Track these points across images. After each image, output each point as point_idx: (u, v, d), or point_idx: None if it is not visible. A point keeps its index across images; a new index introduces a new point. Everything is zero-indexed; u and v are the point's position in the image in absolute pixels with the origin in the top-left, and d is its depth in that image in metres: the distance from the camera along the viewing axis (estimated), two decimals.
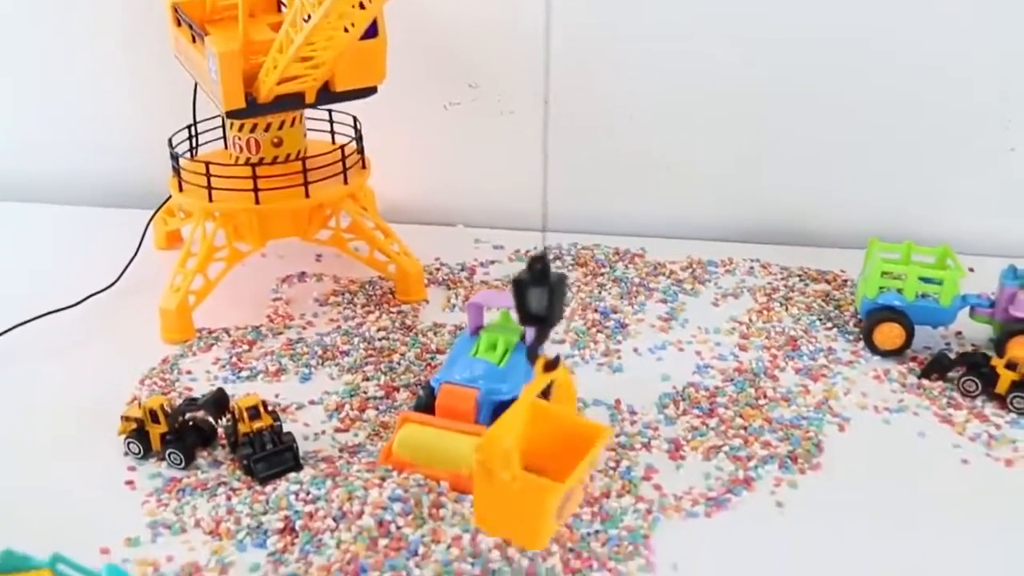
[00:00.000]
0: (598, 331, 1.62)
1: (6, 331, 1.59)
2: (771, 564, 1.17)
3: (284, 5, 1.68)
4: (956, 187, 1.90)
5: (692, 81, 1.90)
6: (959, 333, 1.64)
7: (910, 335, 1.56)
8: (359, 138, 1.75)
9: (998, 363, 1.46)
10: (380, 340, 1.59)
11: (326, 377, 1.52)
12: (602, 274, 1.80)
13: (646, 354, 1.58)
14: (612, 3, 1.86)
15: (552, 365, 1.07)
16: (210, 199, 1.63)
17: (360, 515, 1.15)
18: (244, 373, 1.52)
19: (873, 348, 1.58)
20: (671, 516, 1.24)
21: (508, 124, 1.96)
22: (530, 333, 1.33)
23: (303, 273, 1.82)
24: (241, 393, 1.37)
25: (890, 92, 1.85)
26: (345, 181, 1.68)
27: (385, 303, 1.71)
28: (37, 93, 2.09)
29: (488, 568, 1.11)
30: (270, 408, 1.34)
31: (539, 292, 1.03)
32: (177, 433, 1.33)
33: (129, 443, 1.34)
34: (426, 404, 1.32)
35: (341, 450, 1.35)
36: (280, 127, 1.65)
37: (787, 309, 1.70)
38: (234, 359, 1.56)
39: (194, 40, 1.63)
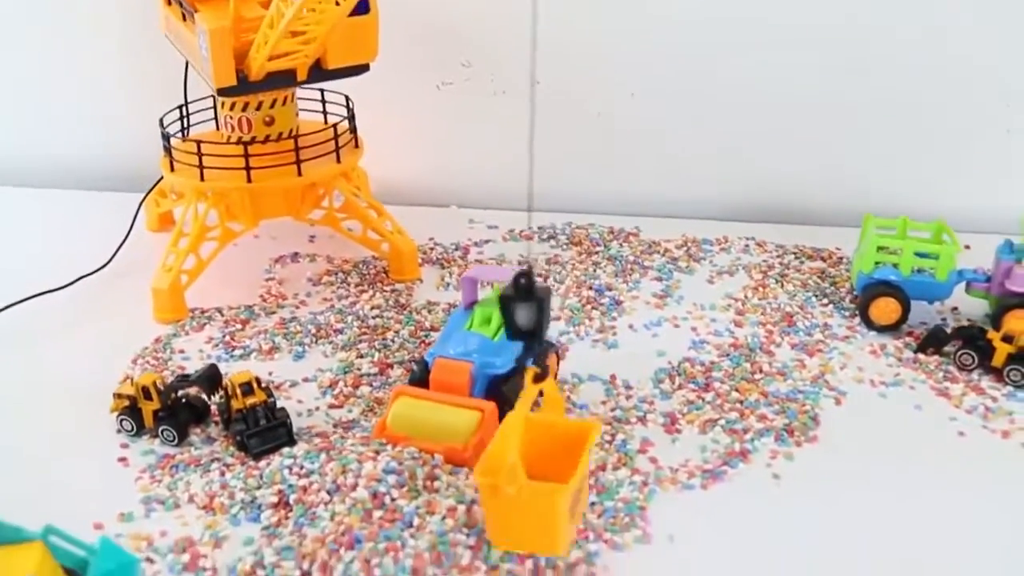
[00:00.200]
0: (593, 308, 1.62)
1: None
2: (768, 535, 1.16)
3: None
4: (952, 167, 1.90)
5: (688, 60, 1.89)
6: (955, 309, 1.64)
7: (906, 310, 1.55)
8: (351, 117, 1.74)
9: (994, 336, 1.46)
10: (374, 318, 1.58)
11: (320, 355, 1.51)
12: (596, 253, 1.80)
13: (641, 330, 1.57)
14: None
15: (541, 376, 1.08)
16: (202, 178, 1.62)
17: (354, 487, 1.14)
18: (237, 352, 1.52)
19: (869, 323, 1.57)
20: (667, 488, 1.24)
21: (502, 104, 1.95)
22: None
23: (296, 253, 1.81)
24: (235, 371, 1.36)
25: (887, 72, 1.85)
26: (338, 160, 1.67)
27: (379, 282, 1.70)
28: (28, 77, 2.08)
29: (483, 539, 1.10)
30: (263, 384, 1.33)
31: (526, 307, 1.03)
32: (170, 410, 1.32)
33: (122, 420, 1.33)
34: (420, 378, 1.31)
35: (335, 426, 1.35)
36: (272, 106, 1.64)
37: (782, 286, 1.69)
38: (227, 338, 1.55)
39: (184, 18, 1.62)
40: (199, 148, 1.60)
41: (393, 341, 1.52)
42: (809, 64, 1.86)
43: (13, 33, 2.04)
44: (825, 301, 1.65)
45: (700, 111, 1.92)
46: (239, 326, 1.58)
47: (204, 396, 1.36)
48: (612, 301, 1.64)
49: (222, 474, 1.24)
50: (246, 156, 1.59)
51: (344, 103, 1.74)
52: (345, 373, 1.45)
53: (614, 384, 1.43)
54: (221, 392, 1.34)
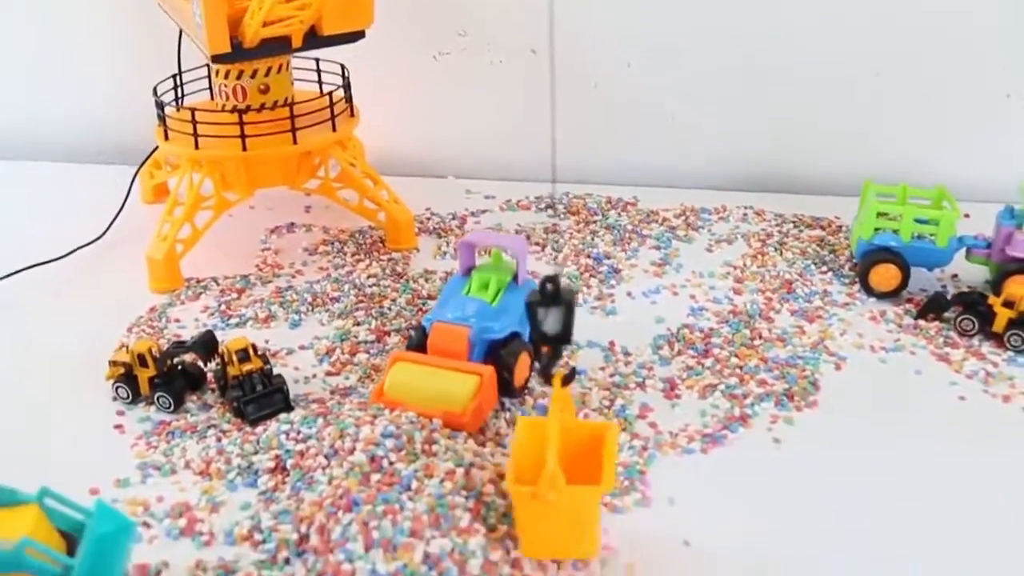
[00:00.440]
0: (591, 276, 1.61)
1: None
2: (768, 498, 1.16)
3: None
4: (952, 133, 1.89)
5: (685, 30, 1.87)
6: (955, 276, 1.63)
7: (906, 276, 1.54)
8: (347, 86, 1.72)
9: (995, 302, 1.45)
10: (371, 287, 1.57)
11: (316, 323, 1.50)
12: (594, 222, 1.79)
13: (640, 298, 1.56)
14: None
15: (569, 379, 1.08)
16: (196, 147, 1.60)
17: (352, 451, 1.13)
18: (233, 320, 1.51)
19: (869, 290, 1.56)
20: (667, 452, 1.23)
21: (498, 74, 1.94)
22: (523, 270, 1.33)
23: (292, 224, 1.80)
24: (230, 339, 1.35)
25: (885, 38, 1.83)
26: (333, 128, 1.66)
27: (375, 251, 1.69)
28: (20, 51, 2.06)
29: (483, 501, 1.09)
30: (259, 351, 1.32)
31: (553, 312, 1.02)
32: (166, 377, 1.31)
33: (117, 388, 1.32)
34: (418, 344, 1.30)
35: (332, 392, 1.34)
36: (267, 73, 1.62)
37: (781, 254, 1.68)
38: (223, 307, 1.54)
39: None
40: (193, 116, 1.58)
41: (390, 309, 1.51)
42: (808, 33, 1.84)
43: (8, 7, 2.02)
44: (824, 268, 1.64)
45: (698, 81, 1.91)
46: (235, 295, 1.57)
47: (200, 363, 1.35)
48: (610, 269, 1.63)
49: (218, 440, 1.23)
50: (241, 124, 1.58)
51: (340, 72, 1.72)
52: (342, 341, 1.44)
53: (613, 350, 1.42)
54: (217, 359, 1.33)
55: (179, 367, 1.34)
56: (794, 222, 1.79)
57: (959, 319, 1.47)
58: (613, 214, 1.81)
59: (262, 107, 1.62)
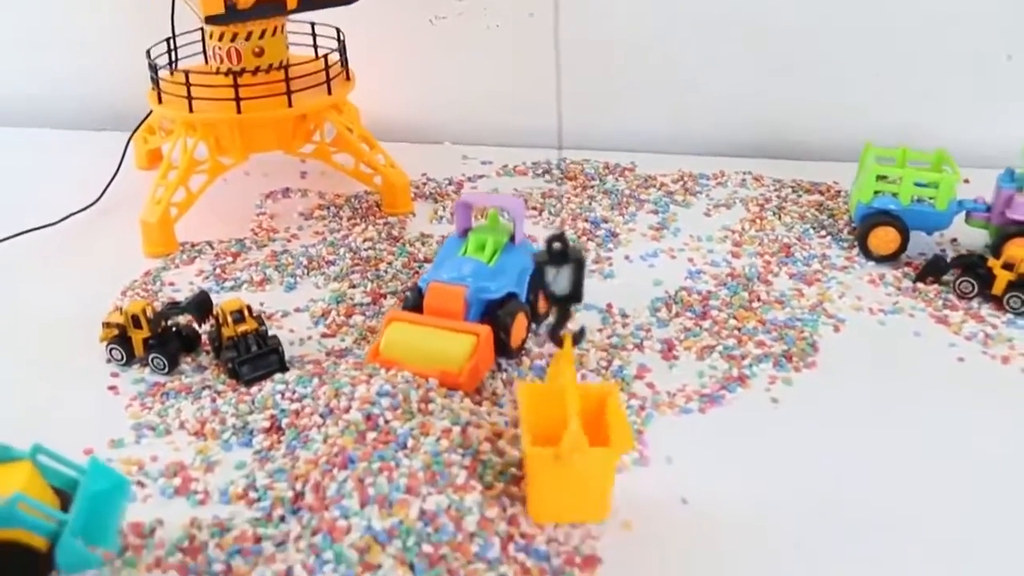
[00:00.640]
0: (588, 239, 1.60)
1: None
2: (767, 457, 1.15)
3: None
4: (951, 98, 1.88)
5: None
6: (954, 240, 1.62)
7: (905, 239, 1.53)
8: (342, 49, 1.71)
9: (995, 264, 1.44)
10: (366, 250, 1.56)
11: (312, 286, 1.49)
12: (592, 187, 1.78)
13: (637, 261, 1.55)
14: None
15: (579, 339, 1.07)
16: (190, 110, 1.59)
17: (347, 410, 1.13)
18: (228, 283, 1.50)
19: (868, 253, 1.56)
20: (664, 412, 1.22)
21: (495, 38, 1.92)
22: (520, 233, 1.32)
23: (287, 189, 1.79)
24: (225, 300, 1.34)
25: (885, 1, 1.82)
26: (329, 92, 1.64)
27: (371, 216, 1.68)
28: (10, 19, 2.04)
29: (479, 459, 1.09)
30: (255, 313, 1.31)
31: (564, 271, 1.01)
32: (160, 338, 1.30)
33: (112, 349, 1.31)
34: (414, 304, 1.29)
35: (328, 354, 1.33)
36: (261, 36, 1.60)
37: (780, 218, 1.67)
38: (218, 270, 1.53)
39: None
40: (187, 78, 1.57)
41: (386, 272, 1.50)
42: None
43: None
44: (823, 233, 1.63)
45: (697, 47, 1.90)
46: (230, 259, 1.56)
47: (195, 325, 1.34)
48: (608, 233, 1.62)
49: (213, 401, 1.22)
50: (235, 87, 1.56)
51: (335, 36, 1.71)
52: (338, 303, 1.43)
53: (610, 312, 1.41)
54: (212, 321, 1.32)
55: (174, 329, 1.33)
56: (793, 187, 1.78)
57: (958, 282, 1.46)
58: (611, 179, 1.80)
59: (257, 70, 1.61)
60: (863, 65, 1.87)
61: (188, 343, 1.33)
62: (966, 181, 1.66)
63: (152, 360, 1.29)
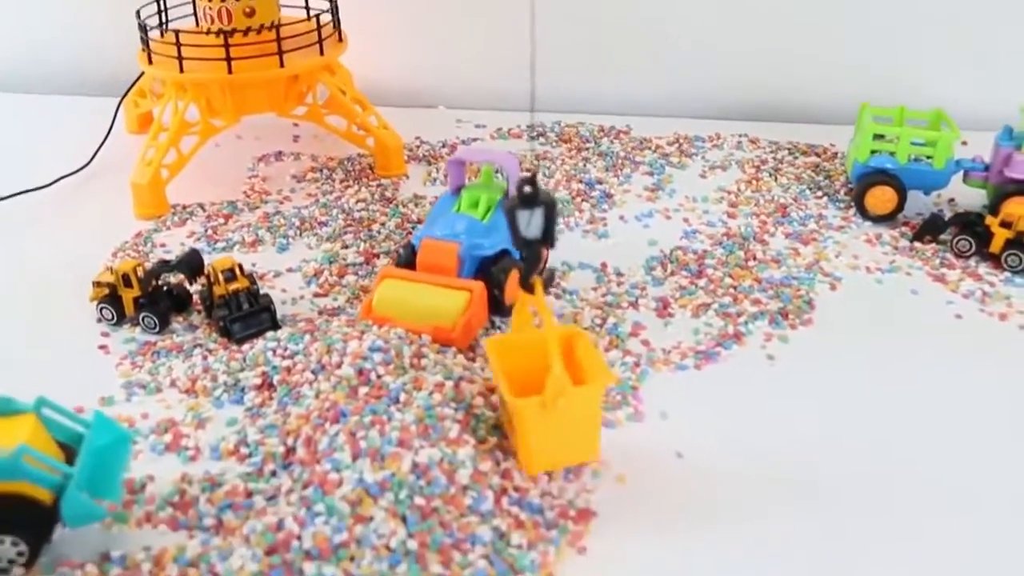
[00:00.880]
0: (583, 200, 1.58)
1: None
2: (763, 413, 1.14)
3: None
4: (949, 61, 1.86)
5: None
6: (952, 200, 1.61)
7: (902, 199, 1.52)
8: (335, 10, 1.69)
9: (992, 222, 1.43)
10: (359, 211, 1.55)
11: (304, 247, 1.48)
12: (587, 149, 1.76)
13: (632, 221, 1.54)
14: None
15: (549, 282, 1.05)
16: (181, 70, 1.57)
17: (339, 366, 1.12)
18: (220, 244, 1.48)
19: (864, 213, 1.54)
20: (659, 369, 1.21)
21: (489, 2, 1.90)
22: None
23: (280, 152, 1.77)
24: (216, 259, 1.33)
25: None
26: (321, 52, 1.63)
27: (364, 178, 1.67)
28: None
29: (472, 413, 1.08)
30: (246, 272, 1.30)
31: (534, 215, 1.00)
32: (151, 297, 1.29)
33: (102, 309, 1.30)
34: (407, 261, 1.28)
35: (320, 313, 1.32)
36: None
37: (776, 179, 1.66)
38: (209, 232, 1.51)
39: None
40: (177, 38, 1.55)
41: (379, 233, 1.49)
42: None
43: None
44: (820, 193, 1.62)
45: (693, 9, 1.88)
46: (222, 220, 1.54)
47: (186, 284, 1.33)
48: (602, 194, 1.60)
49: (204, 358, 1.21)
50: (226, 47, 1.55)
51: None
52: (330, 263, 1.41)
53: (605, 271, 1.40)
54: (203, 280, 1.31)
55: (164, 288, 1.31)
56: (789, 149, 1.77)
57: (956, 240, 1.45)
58: (605, 141, 1.79)
59: (248, 30, 1.59)
60: (861, 27, 1.85)
61: (179, 302, 1.32)
62: (964, 143, 1.65)
63: (143, 319, 1.28)
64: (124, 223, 1.55)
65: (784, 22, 1.86)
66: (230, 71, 1.55)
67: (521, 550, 0.94)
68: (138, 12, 1.63)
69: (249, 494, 1.01)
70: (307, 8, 1.71)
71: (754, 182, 1.65)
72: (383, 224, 1.51)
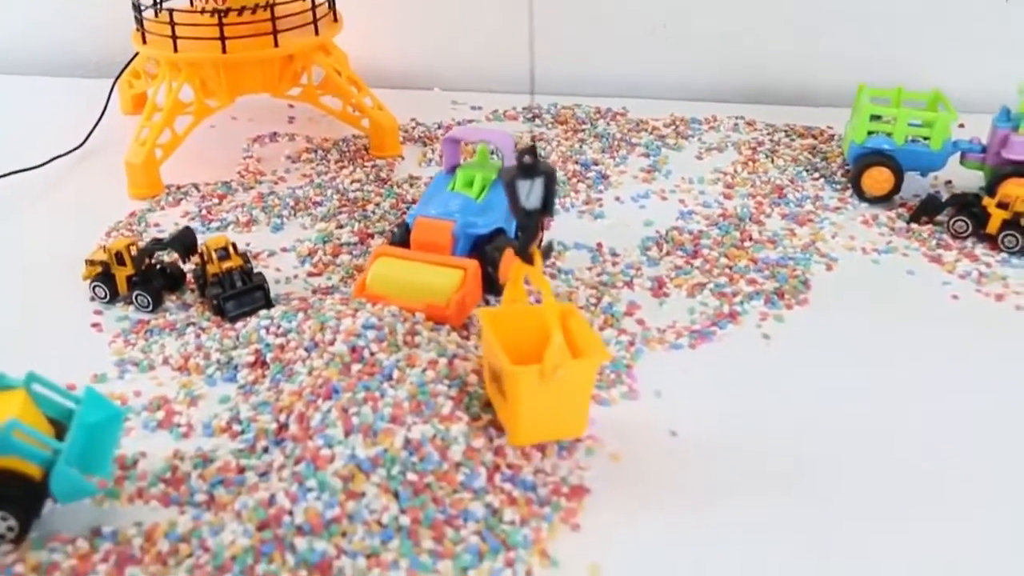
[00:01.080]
0: (579, 181, 1.58)
1: None
2: (758, 392, 1.13)
3: None
4: (949, 40, 1.85)
5: None
6: (949, 182, 1.61)
7: (899, 180, 1.52)
8: None
9: (989, 203, 1.43)
10: (354, 192, 1.54)
11: (298, 227, 1.47)
12: (583, 130, 1.76)
13: (628, 202, 1.54)
14: None
15: (547, 253, 1.06)
16: (175, 49, 1.56)
17: (332, 343, 1.11)
18: (214, 224, 1.48)
19: (861, 194, 1.54)
20: (654, 348, 1.21)
21: None
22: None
23: (275, 133, 1.77)
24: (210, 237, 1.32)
25: None
26: (316, 32, 1.62)
27: (359, 159, 1.66)
28: None
29: (466, 391, 1.07)
30: (240, 250, 1.29)
31: (535, 185, 0.99)
32: (144, 275, 1.28)
33: (95, 287, 1.29)
34: (401, 240, 1.28)
35: (314, 291, 1.31)
36: None
37: (772, 161, 1.66)
38: (204, 212, 1.51)
39: None
40: (171, 18, 1.54)
41: (373, 212, 1.48)
42: None
43: None
44: (816, 175, 1.61)
45: None
46: (216, 200, 1.54)
47: (179, 263, 1.32)
48: (598, 175, 1.60)
49: (197, 336, 1.21)
50: (220, 26, 1.54)
51: None
52: (324, 243, 1.41)
53: (600, 251, 1.39)
54: (197, 259, 1.30)
55: (158, 266, 1.31)
56: (786, 131, 1.77)
57: (953, 221, 1.44)
58: (602, 123, 1.78)
59: (243, 10, 1.58)
60: (858, 9, 1.84)
61: (172, 281, 1.31)
62: (961, 126, 1.64)
63: (136, 297, 1.27)
64: (118, 203, 1.54)
65: (782, 4, 1.86)
66: (224, 51, 1.55)
67: (514, 526, 0.94)
68: None
69: (241, 470, 1.00)
70: None
71: (751, 164, 1.64)
72: (378, 204, 1.50)
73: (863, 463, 1.03)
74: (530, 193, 0.99)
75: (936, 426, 1.08)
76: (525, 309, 1.08)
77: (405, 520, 0.92)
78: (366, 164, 1.63)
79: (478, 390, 1.08)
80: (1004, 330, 1.25)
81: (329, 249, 1.39)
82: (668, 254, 1.39)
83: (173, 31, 1.54)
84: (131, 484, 0.99)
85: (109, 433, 0.99)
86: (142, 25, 1.61)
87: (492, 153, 1.40)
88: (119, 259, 1.28)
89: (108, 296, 1.29)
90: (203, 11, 1.59)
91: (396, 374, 1.06)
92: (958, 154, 1.54)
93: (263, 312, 1.22)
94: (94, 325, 1.26)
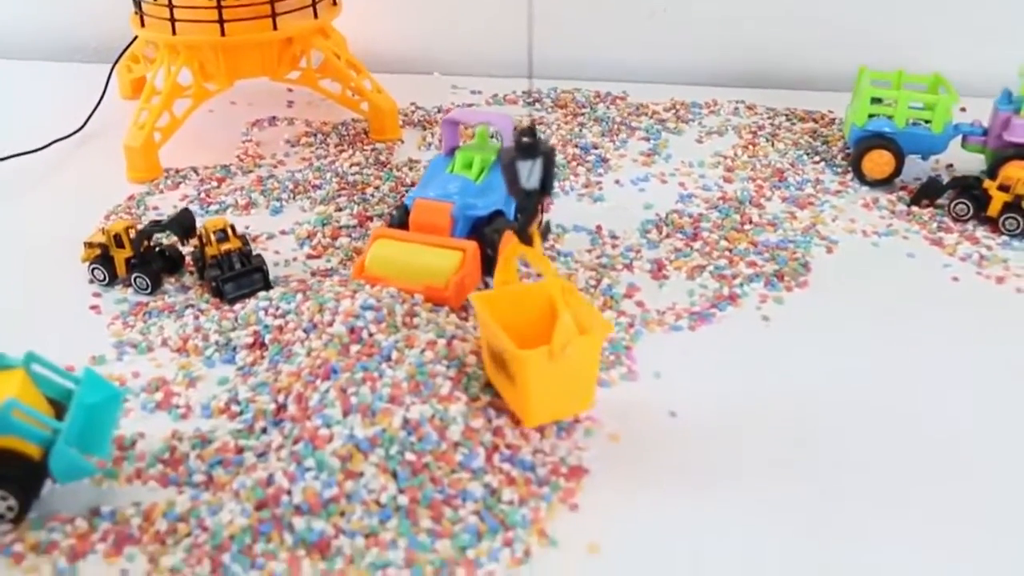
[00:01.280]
0: (579, 164, 1.58)
1: None
2: (758, 373, 1.13)
3: None
4: (950, 24, 1.84)
5: None
6: (950, 165, 1.60)
7: (900, 163, 1.51)
8: None
9: (990, 185, 1.42)
10: (353, 175, 1.54)
11: (297, 210, 1.47)
12: (582, 114, 1.75)
13: (628, 185, 1.53)
14: None
15: (546, 232, 1.05)
16: (173, 32, 1.56)
17: (331, 324, 1.11)
18: (213, 207, 1.47)
19: (862, 178, 1.53)
20: (654, 330, 1.20)
21: None
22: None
23: (274, 117, 1.76)
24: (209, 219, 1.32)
25: None
26: (315, 15, 1.61)
27: (359, 142, 1.66)
28: None
29: (464, 371, 1.07)
30: (239, 233, 1.29)
31: (535, 165, 0.98)
32: (142, 257, 1.28)
33: (94, 270, 1.29)
34: (400, 222, 1.27)
35: (313, 274, 1.31)
36: None
37: (773, 145, 1.65)
38: (202, 195, 1.50)
39: None
40: (170, 1, 1.53)
41: (373, 196, 1.48)
42: None
43: None
44: (817, 159, 1.61)
45: None
46: (215, 184, 1.54)
47: (178, 245, 1.32)
48: (598, 159, 1.59)
49: (196, 318, 1.20)
50: (219, 8, 1.53)
51: None
52: (323, 225, 1.41)
53: (600, 234, 1.39)
54: (195, 241, 1.30)
55: (156, 249, 1.30)
56: (786, 115, 1.76)
57: (953, 204, 1.44)
58: (601, 107, 1.78)
59: None
60: None
61: (171, 264, 1.31)
62: (963, 109, 1.64)
63: (135, 280, 1.27)
64: (117, 186, 1.54)
65: None
66: (223, 34, 1.54)
67: (512, 506, 0.93)
68: None
69: (239, 451, 1.00)
70: None
71: (751, 147, 1.64)
72: (377, 188, 1.50)
73: (862, 444, 1.03)
74: (530, 173, 0.99)
75: (935, 408, 1.08)
76: (517, 290, 1.07)
77: (403, 500, 0.92)
78: (365, 148, 1.63)
79: (477, 371, 1.07)
80: (1005, 312, 1.25)
81: (328, 232, 1.39)
82: (668, 237, 1.38)
83: (172, 14, 1.54)
84: (130, 465, 0.99)
85: (108, 414, 0.99)
86: (140, 8, 1.60)
87: (492, 136, 1.39)
88: (118, 241, 1.28)
89: (107, 278, 1.28)
90: None
91: (395, 355, 1.06)
92: (959, 137, 1.53)
93: (262, 294, 1.22)
94: (93, 307, 1.26)
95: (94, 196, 1.50)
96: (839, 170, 1.57)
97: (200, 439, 1.02)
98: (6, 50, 2.04)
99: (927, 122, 1.51)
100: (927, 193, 1.47)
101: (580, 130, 1.68)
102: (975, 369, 1.14)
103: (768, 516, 0.94)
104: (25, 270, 1.34)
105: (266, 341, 1.15)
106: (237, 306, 1.21)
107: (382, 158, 1.60)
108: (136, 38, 1.74)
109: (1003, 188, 1.41)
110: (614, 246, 1.36)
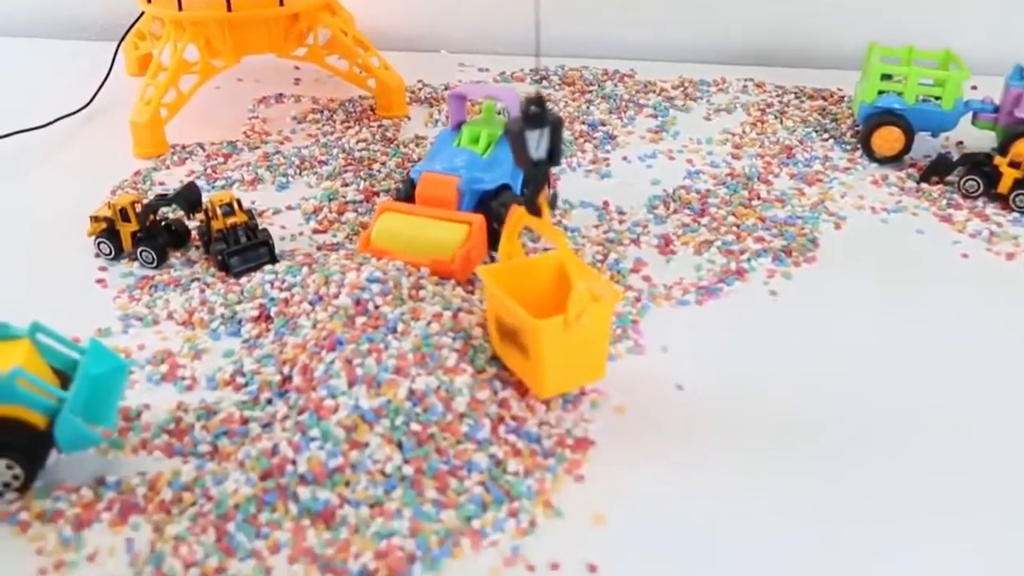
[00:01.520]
0: (586, 141, 1.57)
1: None
2: (765, 347, 1.13)
3: None
4: (959, 4, 1.83)
5: None
6: (960, 143, 1.59)
7: (909, 139, 1.50)
8: None
9: (1001, 162, 1.41)
10: (360, 151, 1.54)
11: (304, 185, 1.46)
12: (590, 91, 1.74)
13: (636, 162, 1.53)
14: None
15: (553, 202, 1.05)
16: (180, 8, 1.55)
17: (337, 296, 1.10)
18: (219, 183, 1.47)
19: (871, 154, 1.52)
20: (661, 304, 1.20)
21: None
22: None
23: (280, 94, 1.76)
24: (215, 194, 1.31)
25: None
26: None
27: (365, 119, 1.65)
28: None
29: (470, 343, 1.06)
30: (245, 207, 1.29)
31: (543, 135, 0.98)
32: (148, 231, 1.28)
33: (100, 243, 1.29)
34: (406, 195, 1.27)
35: (319, 248, 1.30)
36: None
37: (782, 122, 1.64)
38: (209, 171, 1.50)
39: None
40: None
41: (379, 171, 1.47)
42: None
43: None
44: (826, 136, 1.60)
45: None
46: (221, 160, 1.53)
47: (184, 219, 1.31)
48: (606, 135, 1.59)
49: (202, 292, 1.20)
50: None
51: None
52: (330, 201, 1.40)
53: (607, 210, 1.38)
54: (201, 215, 1.29)
55: (163, 223, 1.30)
56: (795, 93, 1.75)
57: (963, 180, 1.43)
58: (609, 85, 1.77)
59: None
60: None
61: (177, 238, 1.31)
62: (974, 87, 1.62)
63: (140, 253, 1.27)
64: (123, 162, 1.54)
65: None
66: (229, 9, 1.54)
67: (518, 477, 0.93)
68: None
69: (245, 421, 1.00)
70: None
71: (759, 124, 1.63)
72: (383, 164, 1.49)
73: (868, 419, 1.02)
74: (538, 143, 0.98)
75: (943, 384, 1.07)
76: (523, 263, 1.07)
77: (408, 470, 0.91)
78: (372, 124, 1.63)
79: (483, 343, 1.07)
80: (1015, 289, 1.24)
81: (334, 207, 1.39)
82: (675, 212, 1.38)
83: None
84: (135, 435, 0.99)
85: (114, 384, 0.98)
86: None
87: (499, 112, 1.38)
88: (124, 215, 1.27)
89: (113, 252, 1.28)
90: None
91: (400, 327, 1.06)
92: (970, 114, 1.52)
93: (268, 267, 1.21)
94: (99, 281, 1.26)
95: (100, 172, 1.50)
96: (848, 147, 1.57)
97: (205, 410, 1.02)
98: (14, 28, 2.04)
99: (937, 99, 1.50)
100: (937, 170, 1.46)
101: (587, 107, 1.68)
102: (983, 345, 1.13)
103: (773, 488, 0.93)
104: (32, 245, 1.33)
105: (272, 314, 1.14)
106: (243, 279, 1.20)
107: (389, 135, 1.59)
108: (142, 14, 1.73)
109: (1014, 165, 1.40)
110: (621, 221, 1.36)
